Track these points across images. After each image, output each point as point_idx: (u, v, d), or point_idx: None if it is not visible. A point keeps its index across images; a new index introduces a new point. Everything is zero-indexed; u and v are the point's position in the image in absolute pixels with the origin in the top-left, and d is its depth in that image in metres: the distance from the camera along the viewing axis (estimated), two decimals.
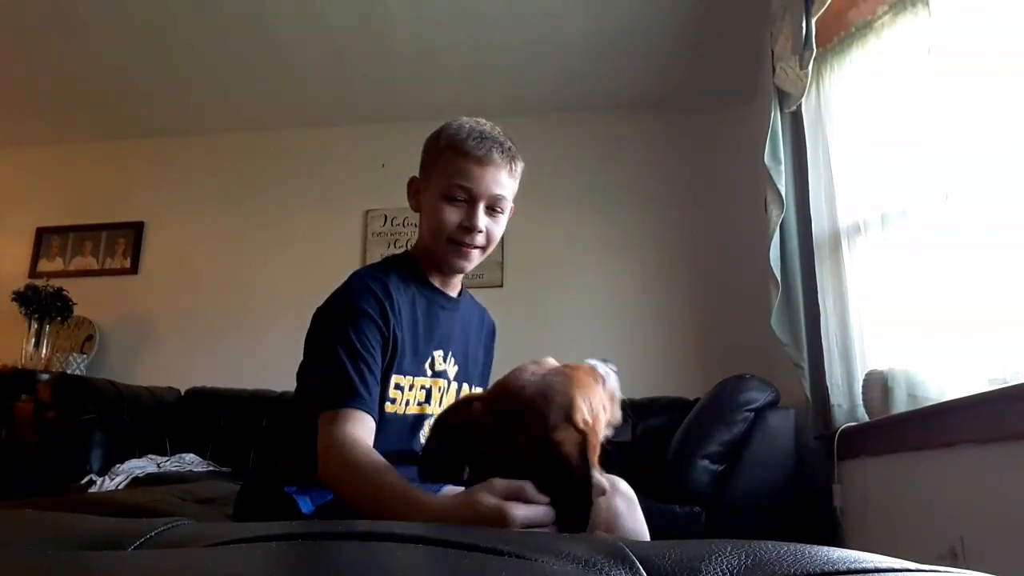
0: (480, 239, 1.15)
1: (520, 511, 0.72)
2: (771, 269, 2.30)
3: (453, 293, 1.25)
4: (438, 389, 1.18)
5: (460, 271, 1.20)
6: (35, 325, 3.55)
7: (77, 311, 3.65)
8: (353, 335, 1.04)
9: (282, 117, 3.80)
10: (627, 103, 3.56)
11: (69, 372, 3.47)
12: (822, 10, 2.04)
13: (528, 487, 0.73)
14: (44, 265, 3.94)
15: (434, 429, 0.89)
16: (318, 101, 3.64)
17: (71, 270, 3.90)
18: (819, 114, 2.24)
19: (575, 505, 0.73)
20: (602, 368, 0.94)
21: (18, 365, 3.43)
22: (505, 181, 1.14)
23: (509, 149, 1.14)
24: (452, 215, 1.12)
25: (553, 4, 2.84)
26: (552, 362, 0.88)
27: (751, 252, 2.97)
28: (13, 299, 3.48)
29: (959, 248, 1.59)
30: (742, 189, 3.23)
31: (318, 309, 1.13)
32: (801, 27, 2.09)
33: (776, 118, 2.34)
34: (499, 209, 1.15)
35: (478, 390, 1.28)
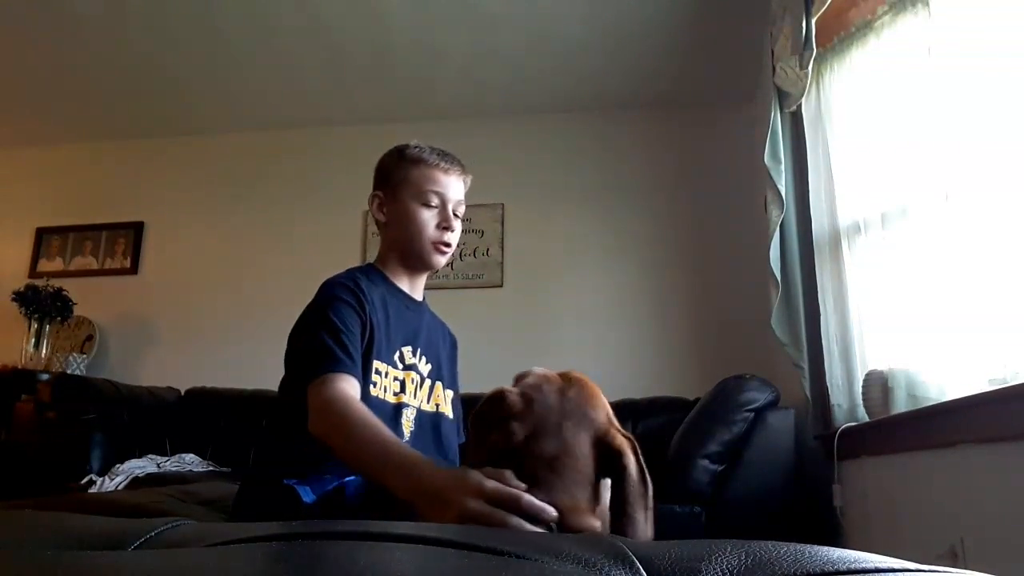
0: (455, 237, 1.30)
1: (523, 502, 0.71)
2: (771, 269, 2.30)
3: (417, 297, 1.36)
4: (411, 381, 1.24)
5: (436, 268, 1.33)
6: (35, 325, 3.55)
7: (77, 311, 3.65)
8: (331, 314, 1.12)
9: (282, 117, 3.80)
10: (627, 103, 3.56)
11: (69, 372, 3.47)
12: (822, 10, 2.04)
13: (507, 473, 0.72)
14: (44, 265, 3.94)
15: (473, 423, 0.85)
16: (318, 101, 3.64)
17: (71, 270, 3.90)
18: (819, 114, 2.24)
19: (641, 509, 0.71)
20: None
21: (18, 365, 3.44)
22: (462, 190, 1.33)
23: (463, 165, 1.34)
24: (430, 217, 1.27)
25: (553, 4, 2.84)
26: (537, 369, 0.87)
27: (751, 252, 2.97)
28: (13, 299, 3.49)
29: (959, 248, 1.59)
30: (742, 189, 3.23)
31: (296, 321, 1.21)
32: (801, 27, 2.09)
33: (776, 118, 2.34)
34: (459, 213, 1.32)
35: (450, 393, 1.35)
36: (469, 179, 1.36)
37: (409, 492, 0.81)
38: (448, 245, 1.29)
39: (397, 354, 1.23)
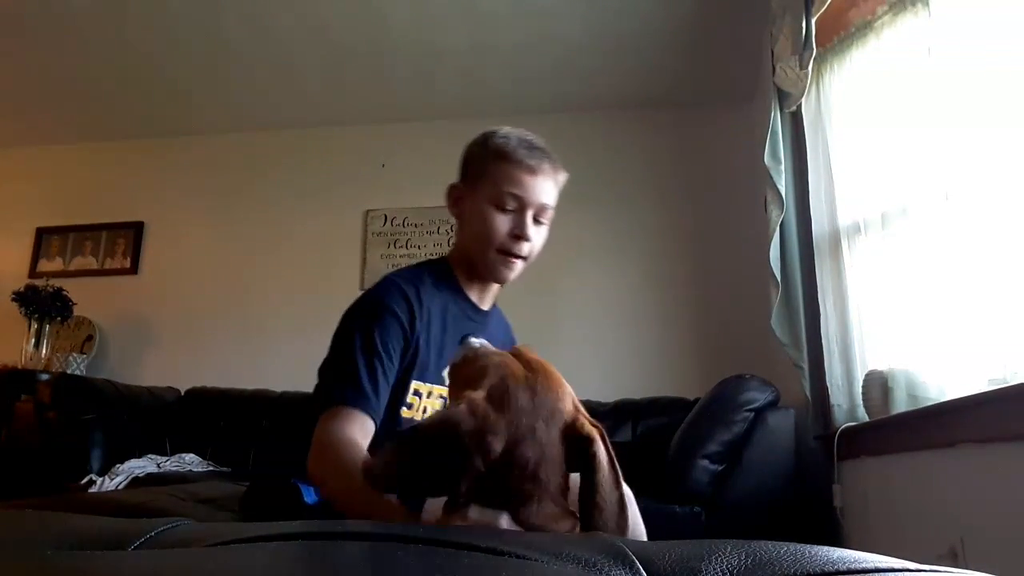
0: (527, 248, 1.15)
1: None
2: (771, 269, 2.30)
3: (485, 307, 1.24)
4: None
5: (503, 281, 1.20)
6: (35, 325, 3.55)
7: (77, 311, 3.65)
8: (376, 333, 1.04)
9: (282, 117, 3.80)
10: (627, 103, 3.56)
11: (69, 372, 3.47)
12: (822, 10, 2.04)
13: (504, 519, 0.65)
14: (44, 265, 3.94)
15: (424, 438, 0.68)
16: (318, 101, 3.64)
17: (71, 270, 3.90)
18: (819, 114, 2.24)
19: (607, 502, 0.66)
20: None
21: (18, 365, 3.44)
22: (552, 191, 1.15)
23: (555, 160, 1.16)
24: (503, 223, 1.13)
25: (553, 4, 2.84)
26: (497, 353, 0.77)
27: (751, 252, 2.97)
28: (13, 299, 3.48)
29: (959, 248, 1.59)
30: (742, 189, 3.23)
31: (347, 308, 1.13)
32: (801, 27, 2.09)
33: (776, 118, 2.34)
34: (543, 219, 1.16)
35: None
36: (563, 177, 1.18)
37: None
38: (518, 256, 1.15)
39: (447, 369, 1.15)
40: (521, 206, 1.13)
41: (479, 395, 0.67)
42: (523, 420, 0.66)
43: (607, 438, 0.70)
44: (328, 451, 0.95)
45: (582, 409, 0.72)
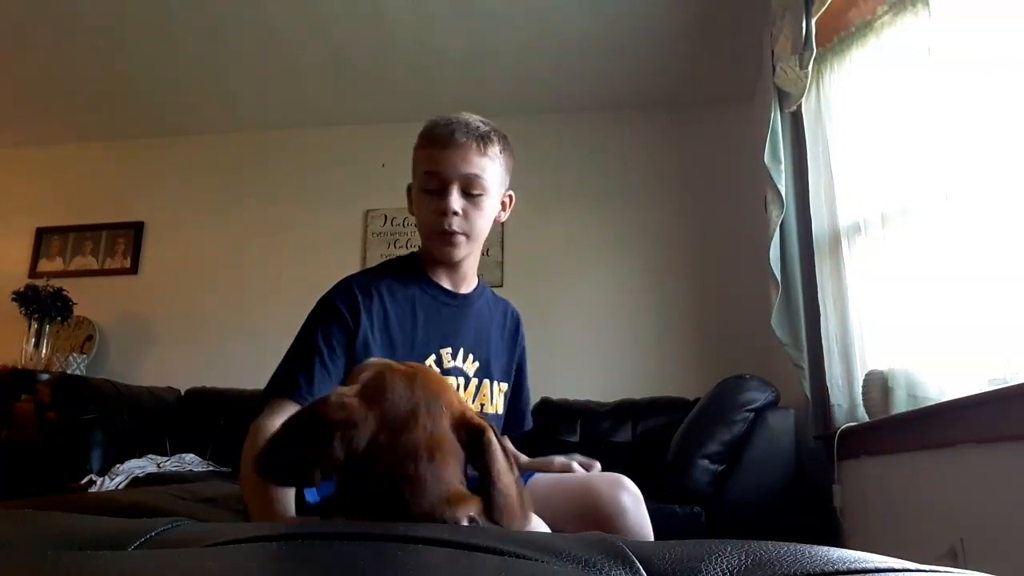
0: (458, 222, 1.12)
1: None
2: (771, 269, 2.30)
3: (464, 290, 1.23)
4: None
5: (450, 260, 1.18)
6: (35, 325, 3.55)
7: (77, 311, 3.65)
8: (317, 328, 1.07)
9: (282, 117, 3.80)
10: (627, 103, 3.56)
11: (69, 372, 3.47)
12: (822, 10, 2.04)
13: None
14: (44, 265, 3.94)
15: (296, 424, 0.71)
16: (318, 101, 3.64)
17: (71, 270, 3.90)
18: (819, 114, 2.24)
19: (504, 484, 0.69)
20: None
21: (18, 365, 3.43)
22: (475, 160, 1.11)
23: (477, 129, 1.12)
24: (430, 204, 1.12)
25: (553, 4, 2.84)
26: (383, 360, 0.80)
27: (751, 252, 2.97)
28: (13, 299, 3.48)
29: (959, 248, 1.59)
30: (742, 189, 3.23)
31: None
32: (801, 27, 2.09)
33: (776, 118, 2.34)
34: (475, 191, 1.12)
35: (503, 386, 1.27)
36: (495, 148, 1.14)
37: None
38: (451, 233, 1.12)
39: (432, 357, 1.14)
40: (443, 182, 1.11)
41: (351, 389, 0.70)
42: (400, 409, 0.68)
43: (498, 434, 0.73)
44: (246, 441, 0.98)
45: (468, 408, 0.75)
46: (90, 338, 3.73)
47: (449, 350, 1.16)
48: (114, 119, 3.85)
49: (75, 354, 3.61)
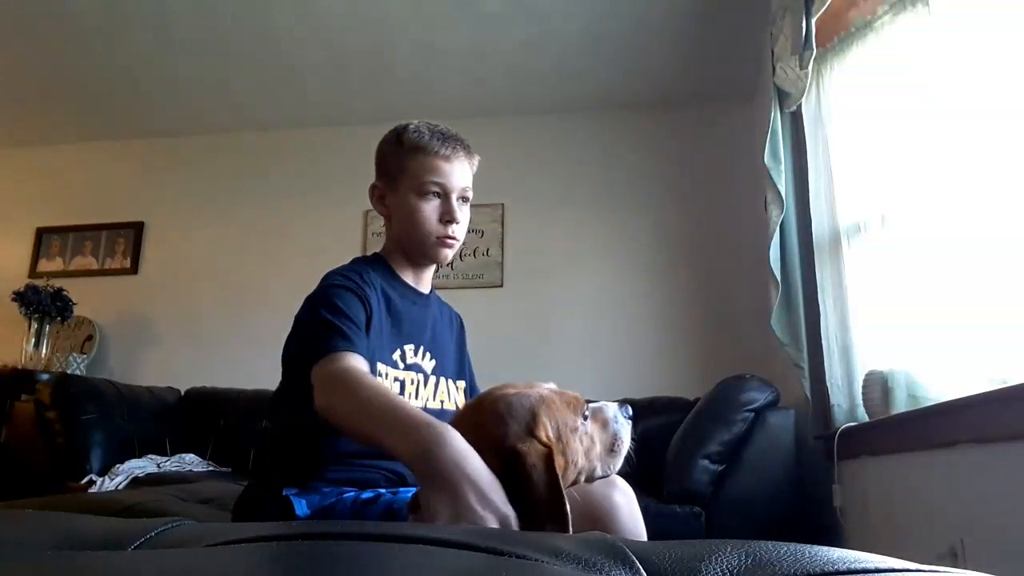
0: (458, 229, 1.22)
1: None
2: (771, 269, 2.30)
3: (424, 289, 1.29)
4: (411, 382, 1.19)
5: (443, 262, 1.26)
6: (35, 325, 3.55)
7: (77, 311, 3.65)
8: (335, 299, 1.07)
9: (282, 117, 3.80)
10: (627, 103, 3.56)
11: (69, 372, 3.47)
12: (822, 10, 2.04)
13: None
14: (44, 265, 3.94)
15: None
16: (318, 101, 3.64)
17: (71, 270, 3.90)
18: (819, 114, 2.24)
19: (546, 521, 0.72)
20: (610, 411, 0.95)
21: (18, 365, 3.44)
22: (469, 173, 1.25)
23: (468, 145, 1.25)
24: (431, 211, 1.20)
25: (553, 4, 2.84)
26: (545, 385, 0.88)
27: (751, 252, 2.97)
28: (13, 299, 3.49)
29: (959, 248, 1.59)
30: (742, 189, 3.23)
31: (298, 312, 1.14)
32: (801, 27, 2.09)
33: (776, 118, 2.34)
34: (467, 199, 1.25)
35: (461, 383, 1.32)
36: (476, 160, 1.27)
37: (409, 456, 0.78)
38: (453, 238, 1.22)
39: (398, 353, 1.17)
40: (445, 192, 1.20)
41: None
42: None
43: (560, 461, 0.81)
44: (334, 381, 0.94)
45: (549, 429, 0.82)
46: (90, 338, 3.73)
47: (412, 347, 1.21)
48: (114, 119, 3.85)
49: (75, 354, 3.61)
